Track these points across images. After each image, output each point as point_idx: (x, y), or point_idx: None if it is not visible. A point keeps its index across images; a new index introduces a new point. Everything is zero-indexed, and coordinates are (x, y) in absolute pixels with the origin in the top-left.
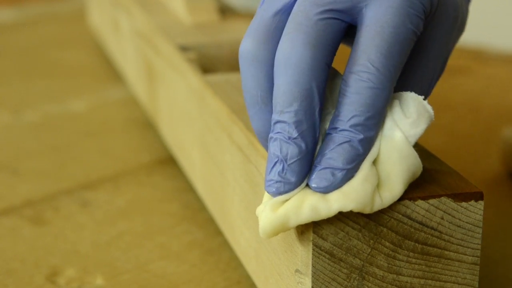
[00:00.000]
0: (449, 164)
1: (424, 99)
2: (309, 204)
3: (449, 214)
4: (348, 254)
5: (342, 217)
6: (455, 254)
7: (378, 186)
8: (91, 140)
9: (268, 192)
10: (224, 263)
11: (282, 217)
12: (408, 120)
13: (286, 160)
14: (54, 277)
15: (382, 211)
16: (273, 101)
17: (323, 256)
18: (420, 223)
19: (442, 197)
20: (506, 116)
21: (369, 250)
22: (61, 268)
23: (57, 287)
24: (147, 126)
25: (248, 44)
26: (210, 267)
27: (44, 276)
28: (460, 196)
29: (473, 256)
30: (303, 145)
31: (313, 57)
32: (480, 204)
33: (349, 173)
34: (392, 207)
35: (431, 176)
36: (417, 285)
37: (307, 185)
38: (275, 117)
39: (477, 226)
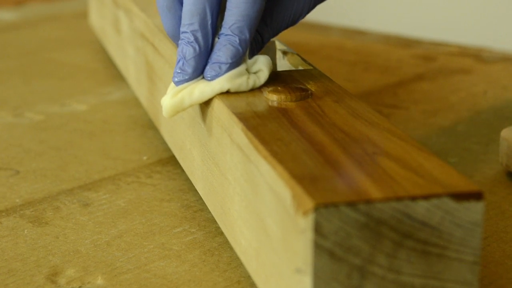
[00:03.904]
0: (449, 164)
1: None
2: (199, 89)
3: (449, 214)
4: (349, 253)
5: (342, 217)
6: (456, 253)
7: (257, 74)
8: (92, 140)
9: (173, 81)
10: (224, 263)
11: (179, 99)
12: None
13: (185, 58)
14: (54, 277)
15: (382, 211)
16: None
17: (324, 255)
18: (421, 222)
19: (443, 197)
20: (506, 116)
21: (370, 249)
22: (62, 268)
23: (58, 287)
24: (148, 126)
25: None
26: (211, 267)
27: (44, 276)
28: (461, 196)
29: (473, 255)
30: (197, 47)
31: None
32: (481, 204)
33: (231, 66)
34: (392, 206)
35: (432, 175)
36: (417, 284)
37: (203, 77)
38: (182, 28)
39: (478, 226)
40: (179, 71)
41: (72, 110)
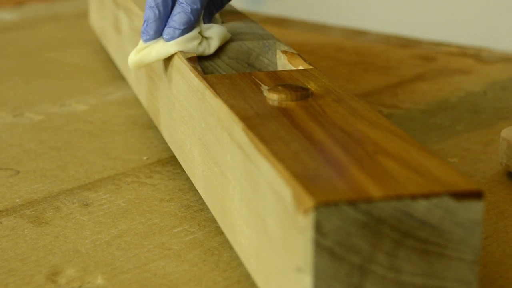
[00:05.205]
0: (449, 164)
1: None
2: (156, 49)
3: (449, 213)
4: (349, 252)
5: (343, 215)
6: (456, 252)
7: (208, 41)
8: (92, 140)
9: (141, 39)
10: (224, 262)
11: (140, 56)
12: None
13: (148, 20)
14: (54, 276)
15: (382, 209)
16: None
17: (324, 254)
18: (421, 221)
19: (443, 196)
20: (506, 116)
21: (370, 248)
22: (62, 267)
23: (58, 286)
24: (148, 126)
25: None
26: (211, 266)
27: (44, 276)
28: (461, 195)
29: (473, 255)
30: (157, 12)
31: None
32: (481, 203)
33: (184, 32)
34: (393, 205)
35: (432, 175)
36: (417, 283)
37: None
38: None
39: (478, 225)
40: (143, 31)
41: (72, 110)
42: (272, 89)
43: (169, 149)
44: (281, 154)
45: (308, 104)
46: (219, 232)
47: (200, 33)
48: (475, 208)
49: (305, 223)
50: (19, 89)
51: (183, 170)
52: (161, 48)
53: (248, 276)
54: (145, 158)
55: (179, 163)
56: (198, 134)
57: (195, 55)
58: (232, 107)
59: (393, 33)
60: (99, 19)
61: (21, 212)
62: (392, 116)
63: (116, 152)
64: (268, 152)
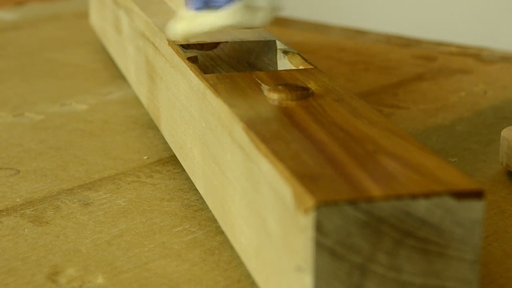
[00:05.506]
0: (449, 164)
1: None
2: (201, 20)
3: (450, 212)
4: (349, 252)
5: (343, 215)
6: (456, 252)
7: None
8: (92, 140)
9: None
10: (224, 262)
11: (187, 25)
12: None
13: None
14: (55, 276)
15: (383, 209)
16: None
17: (324, 253)
18: (421, 221)
19: (443, 195)
20: (506, 116)
21: (370, 247)
22: (62, 267)
23: (58, 286)
24: (148, 126)
25: None
26: (211, 266)
27: (45, 275)
28: (461, 194)
29: (473, 254)
30: None
31: None
32: (481, 203)
33: None
34: (393, 204)
35: (432, 174)
36: (417, 283)
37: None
38: None
39: (478, 225)
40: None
41: (72, 110)
42: (272, 88)
43: (170, 149)
44: (281, 154)
45: (308, 103)
46: (220, 231)
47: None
48: (476, 208)
49: (306, 222)
50: (19, 89)
51: (183, 170)
52: (206, 19)
53: (248, 276)
54: (145, 157)
55: (179, 162)
56: (198, 133)
57: (195, 54)
58: (232, 106)
59: (394, 33)
60: (99, 19)
61: (21, 211)
62: (392, 115)
63: (117, 152)
64: (268, 151)
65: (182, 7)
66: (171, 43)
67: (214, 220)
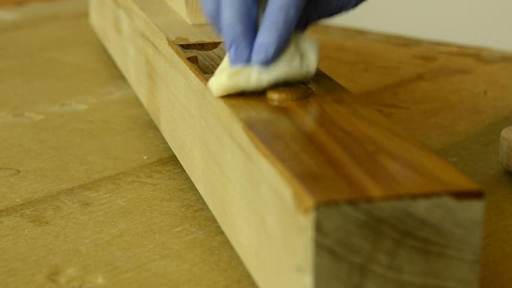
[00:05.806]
0: (449, 164)
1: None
2: (255, 74)
3: (450, 212)
4: (349, 252)
5: (343, 215)
6: (456, 252)
7: (301, 59)
8: (92, 140)
9: (230, 62)
10: (224, 262)
11: (234, 81)
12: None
13: (237, 40)
14: (55, 276)
15: (383, 209)
16: None
17: (324, 253)
18: (421, 221)
19: (443, 195)
20: (506, 116)
21: (370, 247)
22: (62, 267)
23: (58, 286)
24: (148, 126)
25: None
26: (211, 266)
27: (45, 275)
28: (461, 194)
29: (473, 254)
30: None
31: None
32: (481, 203)
33: (278, 47)
34: (393, 204)
35: (432, 174)
36: (417, 283)
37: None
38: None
39: (478, 225)
40: (235, 54)
41: (72, 110)
42: (272, 88)
43: (170, 149)
44: (281, 154)
45: (308, 103)
46: (220, 231)
47: (295, 47)
48: (475, 208)
49: (306, 222)
50: (19, 89)
51: (183, 170)
52: (263, 73)
53: (248, 276)
54: (145, 157)
55: (179, 162)
56: (198, 133)
57: (195, 54)
58: (232, 106)
59: (393, 32)
60: (99, 19)
61: (21, 211)
62: (392, 115)
63: (117, 152)
64: (268, 151)
65: (225, 62)
66: (171, 43)
67: (214, 220)
